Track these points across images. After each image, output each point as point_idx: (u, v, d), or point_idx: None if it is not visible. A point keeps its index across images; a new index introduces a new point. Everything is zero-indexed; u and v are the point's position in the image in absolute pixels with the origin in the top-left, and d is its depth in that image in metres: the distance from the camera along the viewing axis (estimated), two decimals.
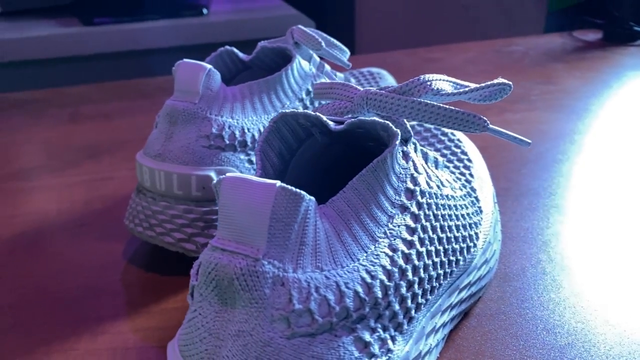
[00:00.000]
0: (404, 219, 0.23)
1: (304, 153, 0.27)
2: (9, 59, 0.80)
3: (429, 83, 0.25)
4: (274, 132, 0.24)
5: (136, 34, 0.82)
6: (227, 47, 0.38)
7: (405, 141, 0.25)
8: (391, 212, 0.22)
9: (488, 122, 0.24)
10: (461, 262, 0.27)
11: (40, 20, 0.90)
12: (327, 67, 0.41)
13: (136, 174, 0.34)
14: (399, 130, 0.23)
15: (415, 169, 0.25)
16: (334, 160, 0.29)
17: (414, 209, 0.23)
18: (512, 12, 1.34)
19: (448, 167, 0.35)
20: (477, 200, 0.32)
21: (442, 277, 0.25)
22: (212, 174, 0.32)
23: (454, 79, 0.26)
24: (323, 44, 0.35)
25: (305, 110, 0.24)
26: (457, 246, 0.26)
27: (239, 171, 0.33)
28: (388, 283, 0.21)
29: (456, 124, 0.24)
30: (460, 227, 0.27)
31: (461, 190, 0.31)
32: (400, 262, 0.22)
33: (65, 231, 0.39)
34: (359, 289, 0.20)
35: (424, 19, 1.39)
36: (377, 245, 0.21)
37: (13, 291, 0.33)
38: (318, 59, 0.40)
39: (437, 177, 0.28)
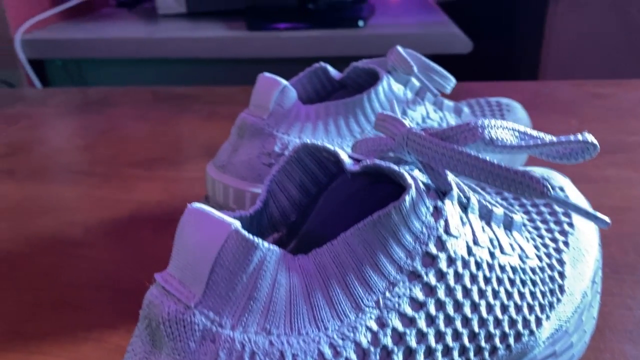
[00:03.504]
0: (410, 289, 0.19)
1: (338, 189, 0.24)
2: (183, 56, 0.88)
3: (480, 130, 0.20)
4: (293, 162, 0.22)
5: (292, 42, 0.84)
6: (322, 63, 0.36)
7: (443, 194, 0.21)
8: (394, 278, 0.19)
9: (550, 189, 0.19)
10: (501, 351, 0.22)
11: (214, 22, 0.98)
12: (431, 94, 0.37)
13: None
14: (412, 182, 0.19)
15: (447, 231, 0.20)
16: (380, 203, 0.25)
17: (430, 279, 0.19)
18: None
19: (538, 229, 0.29)
20: (562, 276, 0.26)
21: None
22: None
23: (522, 127, 0.21)
24: (415, 68, 0.32)
25: (325, 144, 0.21)
26: (496, 331, 0.21)
27: None
28: None
29: (505, 184, 0.20)
30: (511, 308, 0.22)
31: (540, 260, 0.26)
32: (387, 341, 0.18)
33: (153, 223, 0.41)
34: None
35: (626, 48, 1.22)
36: (360, 315, 0.18)
37: (83, 273, 0.35)
38: (418, 84, 0.36)
39: (498, 240, 0.23)
